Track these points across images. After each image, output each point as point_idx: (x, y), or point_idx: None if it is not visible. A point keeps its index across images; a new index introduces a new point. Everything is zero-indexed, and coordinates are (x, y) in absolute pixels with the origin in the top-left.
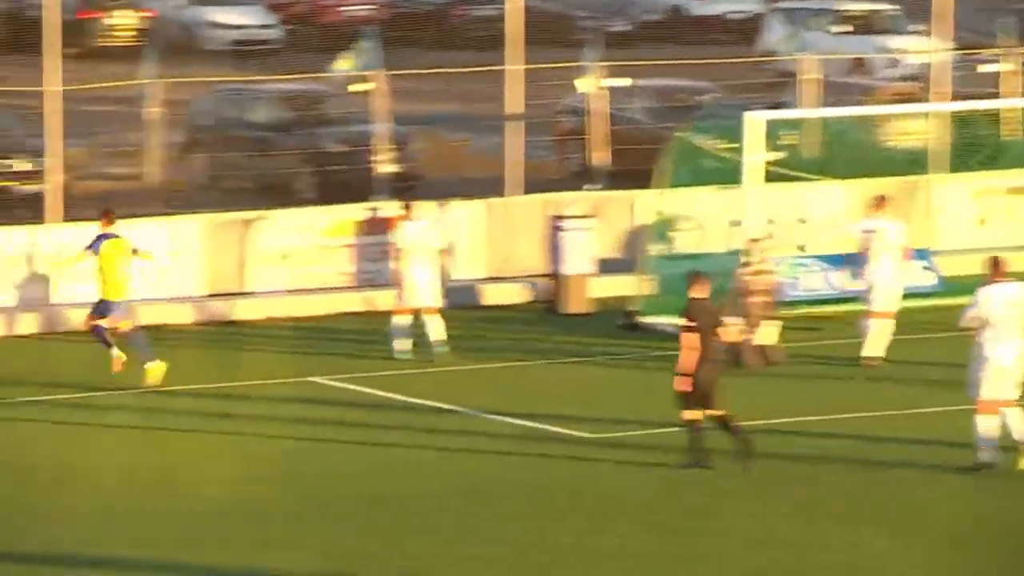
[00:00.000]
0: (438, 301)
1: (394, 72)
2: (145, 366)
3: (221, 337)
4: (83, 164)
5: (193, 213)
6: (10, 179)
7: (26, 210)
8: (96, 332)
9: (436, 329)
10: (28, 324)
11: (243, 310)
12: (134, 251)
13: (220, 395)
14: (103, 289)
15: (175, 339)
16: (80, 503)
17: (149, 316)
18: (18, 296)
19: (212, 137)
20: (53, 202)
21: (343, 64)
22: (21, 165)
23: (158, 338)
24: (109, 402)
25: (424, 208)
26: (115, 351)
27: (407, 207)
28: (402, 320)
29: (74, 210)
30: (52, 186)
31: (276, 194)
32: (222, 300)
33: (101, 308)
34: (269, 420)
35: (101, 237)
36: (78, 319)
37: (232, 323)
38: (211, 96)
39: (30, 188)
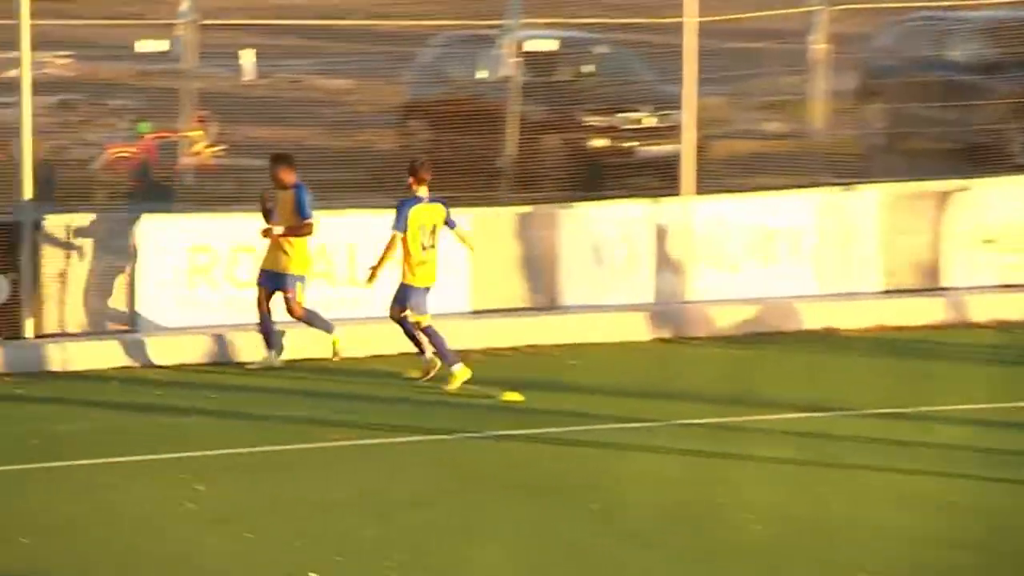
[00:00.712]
0: None
1: None
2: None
3: (901, 346)
4: (722, 118)
5: (867, 183)
6: (638, 137)
7: (650, 177)
8: (403, 327)
9: None
10: (659, 325)
11: (929, 310)
12: (450, 225)
13: (901, 420)
14: (403, 269)
15: (843, 347)
16: (721, 553)
17: (816, 319)
18: (649, 289)
19: (895, 82)
20: (689, 167)
21: None
22: (648, 120)
23: (824, 346)
24: (755, 426)
25: None
26: (427, 355)
27: None
28: None
29: (706, 178)
30: (686, 146)
31: (981, 158)
32: (902, 298)
33: (401, 296)
34: (967, 458)
35: (406, 203)
36: (719, 319)
37: (914, 328)
38: (895, 27)
39: (657, 149)
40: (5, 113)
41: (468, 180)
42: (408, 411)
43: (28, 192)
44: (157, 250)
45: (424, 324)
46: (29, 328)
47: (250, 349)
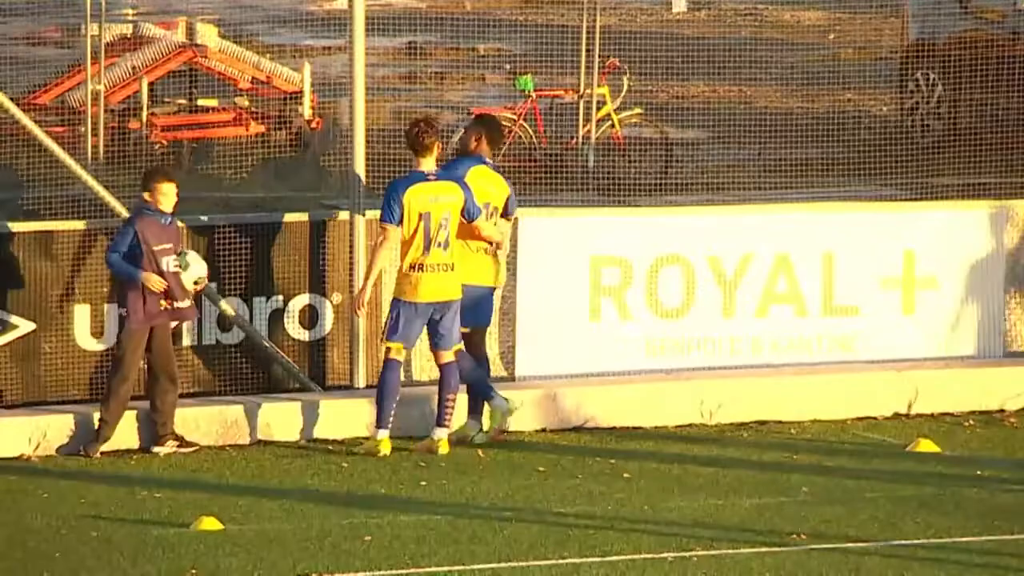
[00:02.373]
0: None
1: None
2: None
3: None
4: None
5: None
6: None
7: None
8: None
9: None
10: None
11: None
12: (467, 216)
13: None
14: (397, 277)
15: None
16: None
17: None
18: None
19: None
20: None
21: None
22: None
23: None
24: None
25: None
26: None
27: None
28: None
29: None
30: None
31: None
32: None
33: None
34: None
35: (399, 183)
36: None
37: None
38: None
39: None
40: (327, 61)
41: (1007, 162)
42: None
43: (361, 177)
44: (544, 263)
45: (393, 356)
46: (361, 374)
47: (668, 405)
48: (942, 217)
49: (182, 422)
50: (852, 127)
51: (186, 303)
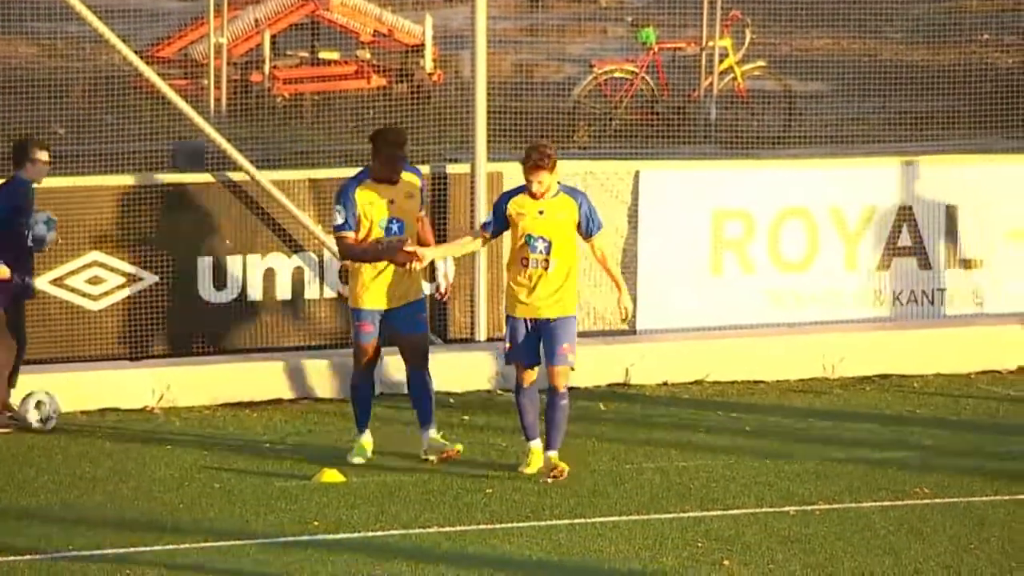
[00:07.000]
0: None
1: None
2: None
3: None
4: None
5: None
6: None
7: None
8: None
9: None
10: None
11: None
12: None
13: None
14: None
15: None
16: None
17: None
18: None
19: None
20: None
21: None
22: None
23: None
24: None
25: None
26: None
27: None
28: None
29: None
30: None
31: None
32: None
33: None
34: None
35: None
36: None
37: None
38: None
39: None
40: (449, 14)
41: None
42: None
43: (482, 130)
44: (666, 215)
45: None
46: (482, 327)
47: (790, 359)
48: None
49: (305, 374)
50: (977, 79)
51: None
